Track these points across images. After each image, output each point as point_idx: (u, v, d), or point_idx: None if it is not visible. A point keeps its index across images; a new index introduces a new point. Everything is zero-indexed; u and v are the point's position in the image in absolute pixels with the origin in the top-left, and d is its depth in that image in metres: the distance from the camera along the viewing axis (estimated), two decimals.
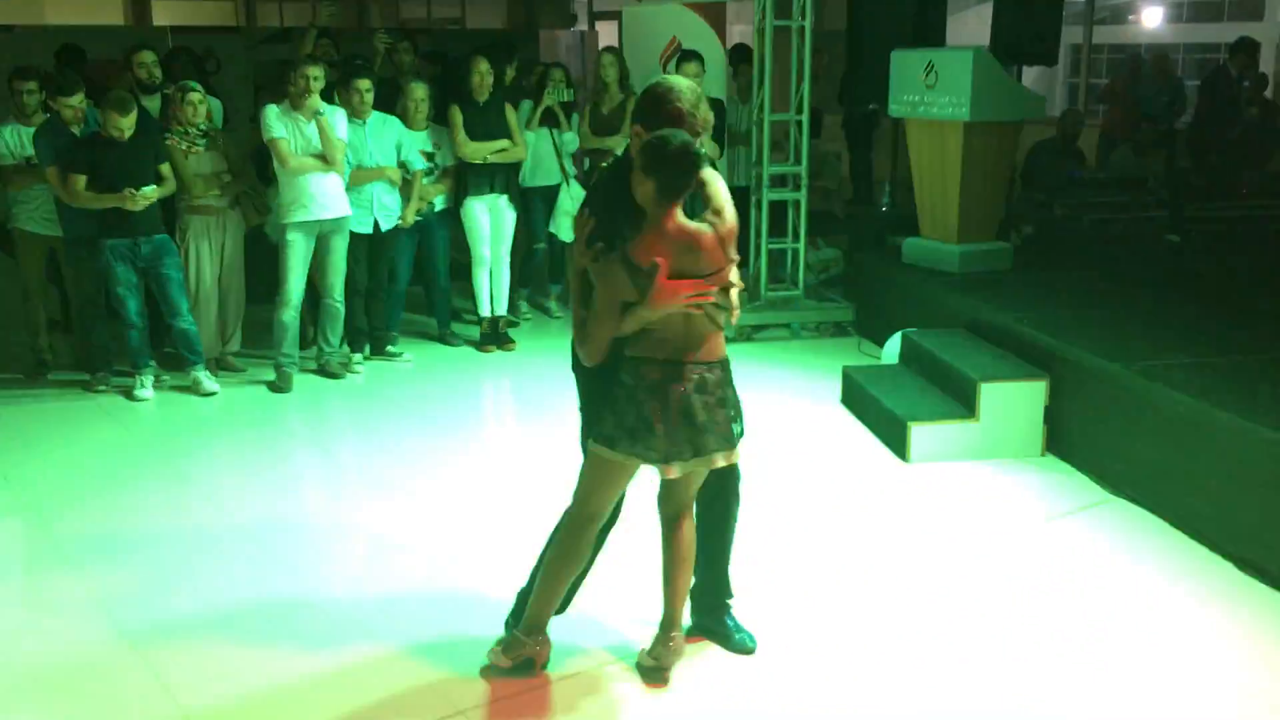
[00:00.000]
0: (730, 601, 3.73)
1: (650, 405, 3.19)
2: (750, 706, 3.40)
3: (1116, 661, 3.63)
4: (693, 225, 3.18)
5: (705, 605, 3.72)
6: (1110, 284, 6.76)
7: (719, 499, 3.60)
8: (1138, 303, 6.28)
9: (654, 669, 3.50)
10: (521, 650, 3.47)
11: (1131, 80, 12.11)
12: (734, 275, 3.28)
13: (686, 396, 3.20)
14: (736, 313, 3.32)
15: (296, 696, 3.45)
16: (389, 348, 7.10)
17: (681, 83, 3.26)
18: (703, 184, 3.26)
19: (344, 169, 6.40)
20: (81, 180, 5.96)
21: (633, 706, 3.40)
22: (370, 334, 7.01)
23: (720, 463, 3.32)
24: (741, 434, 3.39)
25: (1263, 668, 3.61)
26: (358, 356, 6.90)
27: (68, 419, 6.04)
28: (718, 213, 3.25)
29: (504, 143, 7.03)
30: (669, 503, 3.45)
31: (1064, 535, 4.60)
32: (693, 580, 3.61)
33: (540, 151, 7.48)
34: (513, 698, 3.42)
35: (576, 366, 3.40)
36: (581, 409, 3.45)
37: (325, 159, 6.26)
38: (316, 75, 6.21)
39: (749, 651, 3.64)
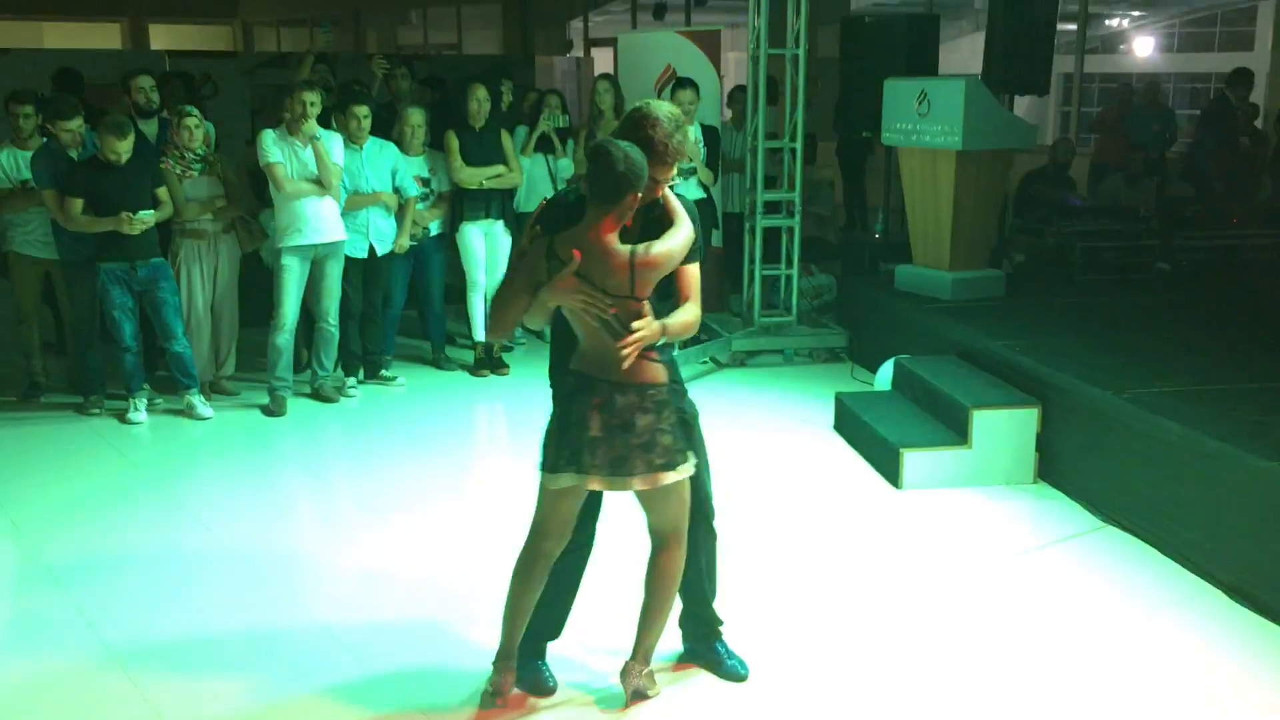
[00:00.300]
0: (720, 628, 3.72)
1: (559, 413, 3.29)
2: None
3: (1107, 689, 3.63)
4: (613, 241, 3.16)
5: (694, 633, 3.71)
6: (1101, 312, 6.80)
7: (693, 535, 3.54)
8: (1129, 331, 6.31)
9: (633, 694, 3.49)
10: (489, 678, 3.47)
11: (1122, 109, 12.21)
12: (644, 320, 3.16)
13: (588, 410, 3.22)
14: (628, 352, 3.14)
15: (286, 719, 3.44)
16: (383, 372, 7.11)
17: (662, 109, 3.25)
18: (663, 213, 3.27)
19: (339, 194, 6.43)
20: (79, 204, 5.98)
21: None
22: (364, 358, 7.02)
23: (636, 485, 3.28)
24: (666, 465, 3.27)
25: (1254, 695, 3.62)
26: (352, 380, 6.91)
27: (61, 442, 6.03)
28: (648, 245, 3.19)
29: (500, 168, 7.07)
30: (649, 530, 3.46)
31: (1055, 562, 4.60)
32: (679, 607, 3.61)
33: (535, 177, 7.52)
34: None
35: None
36: None
37: (321, 183, 6.29)
38: (313, 100, 6.25)
39: (740, 679, 3.63)
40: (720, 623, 3.71)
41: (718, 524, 3.65)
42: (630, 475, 3.24)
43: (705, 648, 3.70)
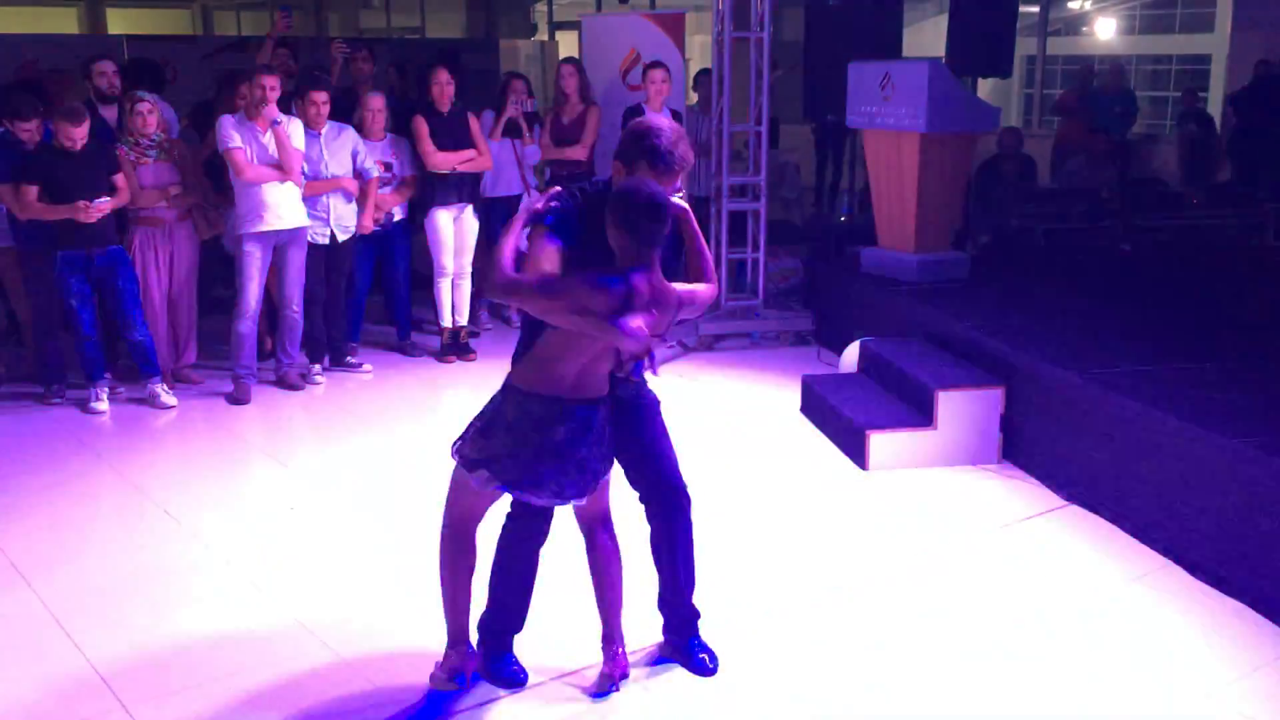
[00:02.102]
0: (698, 621, 3.71)
1: (524, 436, 3.17)
2: (693, 714, 3.42)
3: (1071, 665, 3.68)
4: (663, 281, 3.16)
5: (670, 624, 3.71)
6: (1065, 293, 6.86)
7: (658, 516, 3.57)
8: (1092, 311, 6.37)
9: (602, 679, 3.51)
10: (448, 662, 3.49)
11: (1085, 91, 12.30)
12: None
13: (569, 435, 3.17)
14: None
15: (253, 711, 3.42)
16: (348, 358, 7.07)
17: (662, 121, 3.26)
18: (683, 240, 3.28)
19: (301, 179, 6.36)
20: (33, 191, 5.89)
21: (584, 717, 3.40)
22: (329, 345, 6.97)
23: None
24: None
25: (1216, 672, 3.67)
26: (317, 367, 6.86)
27: (22, 433, 5.95)
28: (691, 287, 3.27)
29: (471, 152, 7.03)
30: (583, 520, 3.47)
31: (1019, 541, 4.65)
32: (656, 593, 3.62)
33: (501, 162, 7.48)
34: (466, 711, 3.41)
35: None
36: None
37: (282, 169, 6.22)
38: (272, 85, 6.18)
39: (706, 674, 3.61)
40: (698, 615, 3.71)
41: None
42: (592, 489, 3.29)
43: (680, 639, 3.69)
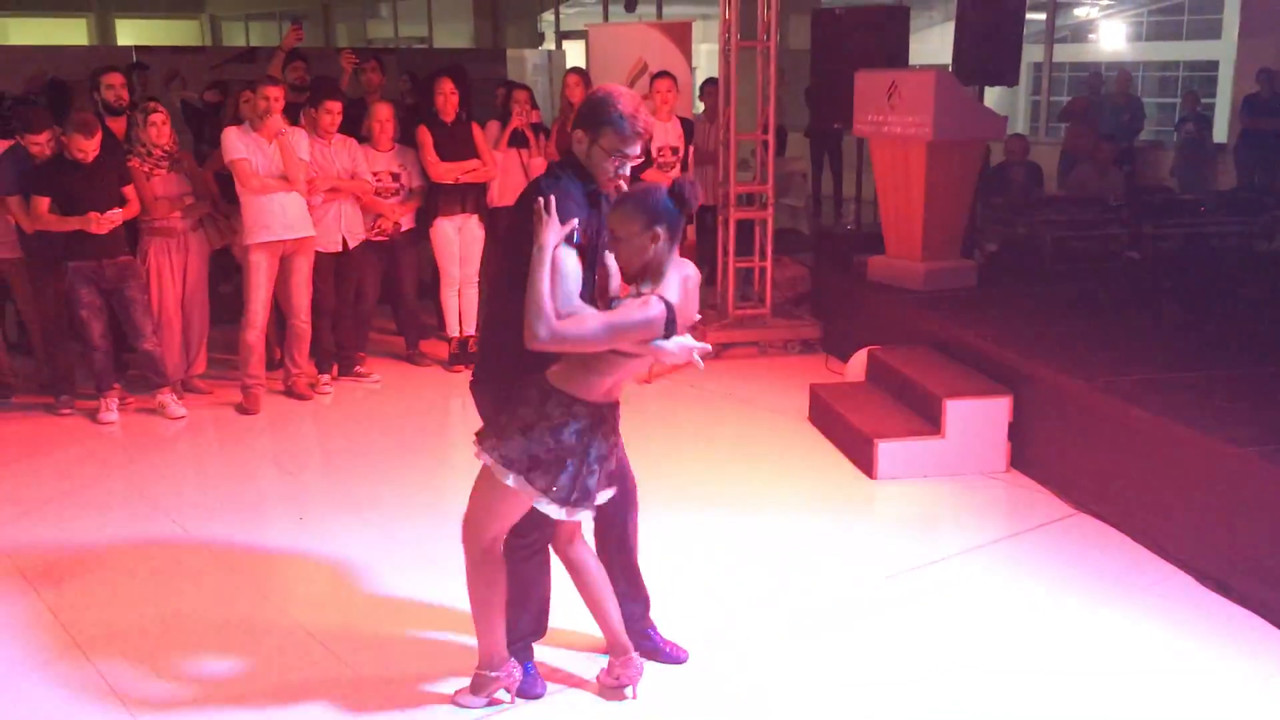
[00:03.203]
0: (649, 609, 3.72)
1: (572, 445, 3.13)
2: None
3: (1080, 674, 3.67)
4: (687, 270, 3.20)
5: (627, 618, 3.60)
6: (1072, 301, 6.85)
7: (618, 511, 3.56)
8: (1100, 319, 6.36)
9: (614, 688, 3.52)
10: (491, 686, 3.44)
11: (1092, 98, 12.29)
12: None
13: (606, 440, 3.20)
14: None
15: (260, 716, 3.43)
16: (357, 368, 7.09)
17: (621, 89, 3.29)
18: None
19: (305, 189, 6.39)
20: (44, 203, 5.92)
21: None
22: (338, 354, 6.99)
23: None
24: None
25: (1226, 681, 3.66)
26: (325, 377, 6.88)
27: (33, 442, 5.98)
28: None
29: (475, 162, 7.05)
30: (557, 539, 3.45)
31: (1028, 550, 4.64)
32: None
33: (508, 171, 7.49)
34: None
35: (476, 386, 3.40)
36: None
37: (287, 179, 6.25)
38: (276, 96, 6.21)
39: (680, 660, 3.67)
40: (648, 599, 3.71)
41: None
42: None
43: (640, 637, 3.67)
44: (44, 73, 8.89)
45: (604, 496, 3.30)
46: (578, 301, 3.06)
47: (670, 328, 3.03)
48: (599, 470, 3.20)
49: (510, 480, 3.14)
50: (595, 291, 3.29)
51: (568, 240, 3.07)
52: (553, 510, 3.16)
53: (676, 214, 3.11)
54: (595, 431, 3.16)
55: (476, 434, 3.28)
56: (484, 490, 3.25)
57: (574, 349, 3.07)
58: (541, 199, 3.09)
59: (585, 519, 3.26)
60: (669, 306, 3.03)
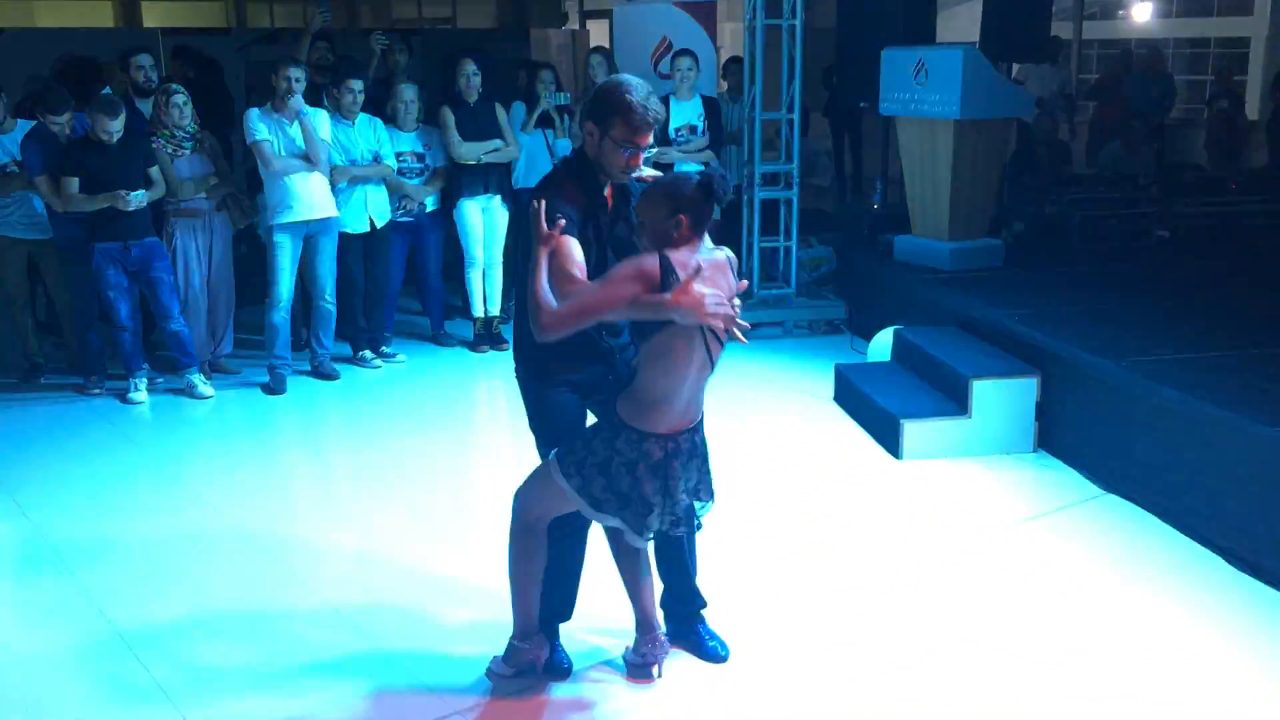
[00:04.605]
0: (703, 611, 3.70)
1: (649, 483, 3.13)
2: (738, 704, 3.42)
3: (1107, 655, 3.65)
4: (715, 254, 3.16)
5: (676, 614, 3.69)
6: (1100, 280, 6.79)
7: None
8: (1128, 298, 6.30)
9: (640, 666, 3.53)
10: (520, 656, 3.47)
11: (1122, 75, 12.15)
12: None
13: (684, 467, 3.18)
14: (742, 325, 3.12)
15: (292, 697, 3.46)
16: (383, 348, 7.11)
17: (632, 79, 3.25)
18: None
19: (327, 169, 6.40)
20: (74, 183, 5.96)
21: (623, 704, 3.42)
22: (367, 334, 7.01)
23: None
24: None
25: (1255, 663, 3.63)
26: (368, 352, 6.92)
27: (62, 423, 6.04)
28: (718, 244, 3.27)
29: (497, 143, 7.04)
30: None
31: (1056, 531, 4.62)
32: (660, 586, 3.62)
33: (533, 152, 7.48)
34: (507, 699, 3.44)
35: (521, 378, 3.41)
36: (532, 425, 3.44)
37: (309, 159, 6.26)
38: (298, 76, 6.22)
39: (721, 660, 3.62)
40: (704, 604, 3.70)
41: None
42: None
43: (687, 629, 3.68)
44: (71, 55, 8.93)
45: (702, 508, 3.30)
46: (580, 277, 3.02)
47: (668, 275, 2.95)
48: (681, 497, 3.20)
49: (610, 523, 3.22)
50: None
51: (565, 232, 3.06)
52: (637, 541, 3.25)
53: (702, 204, 3.06)
54: (671, 462, 3.15)
55: (555, 455, 3.25)
56: (545, 483, 3.28)
57: (583, 321, 3.00)
58: (534, 203, 3.08)
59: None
60: (664, 256, 2.99)
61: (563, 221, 3.07)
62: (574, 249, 3.07)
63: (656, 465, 3.13)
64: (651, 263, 2.97)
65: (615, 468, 3.13)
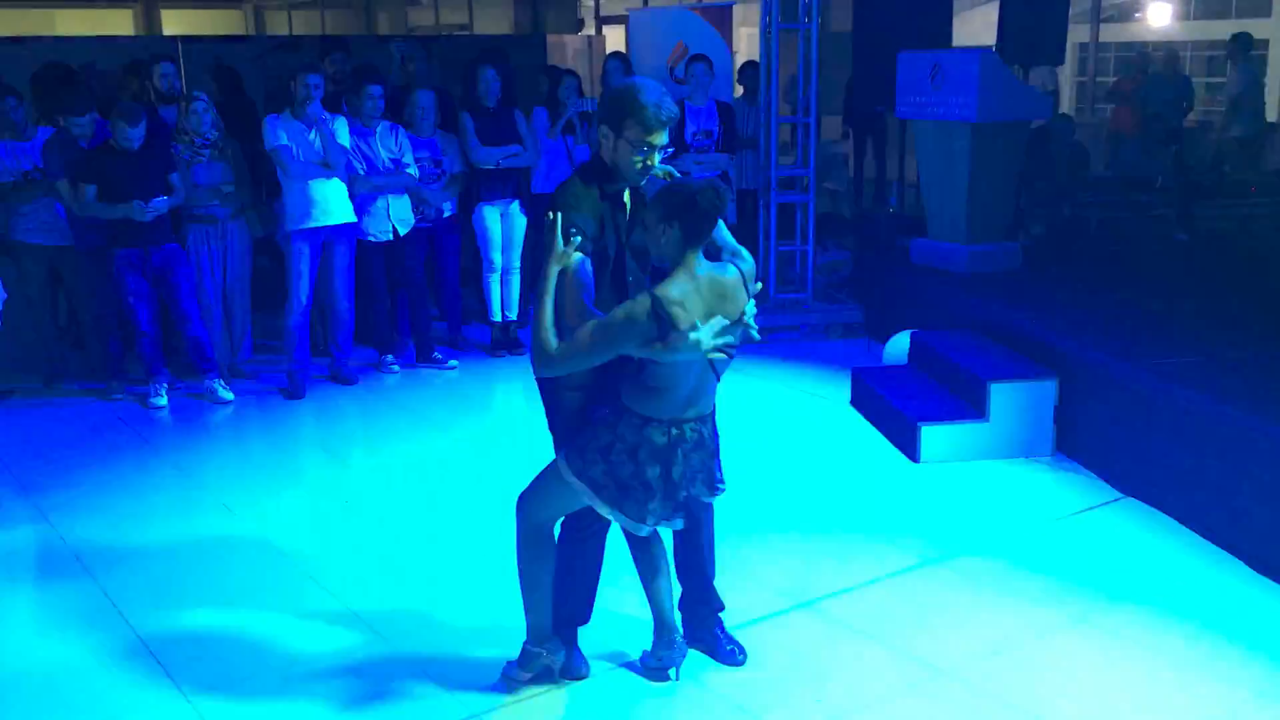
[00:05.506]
0: (720, 613, 3.69)
1: (651, 468, 3.13)
2: (755, 707, 3.42)
3: (1129, 660, 3.63)
4: (720, 272, 3.14)
5: (694, 616, 3.69)
6: (1119, 283, 6.77)
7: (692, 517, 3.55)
8: (1147, 301, 6.28)
9: (657, 669, 3.54)
10: (535, 661, 3.47)
11: (1139, 78, 12.10)
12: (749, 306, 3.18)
13: (686, 457, 3.17)
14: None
15: (312, 699, 3.48)
16: (434, 354, 7.12)
17: (644, 80, 3.25)
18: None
19: (345, 176, 6.43)
20: (91, 190, 6.00)
21: (640, 707, 3.43)
22: (393, 339, 7.04)
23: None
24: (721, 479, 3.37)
25: (1275, 667, 3.61)
26: (390, 357, 6.97)
27: (84, 427, 6.07)
28: (735, 254, 3.26)
29: (515, 148, 7.06)
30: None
31: (1076, 534, 4.60)
32: (679, 589, 3.62)
33: (553, 157, 7.48)
34: (524, 701, 3.45)
35: (541, 383, 3.41)
36: (550, 426, 3.44)
37: (327, 166, 6.29)
38: (316, 83, 6.25)
39: (738, 663, 3.61)
40: (721, 606, 3.70)
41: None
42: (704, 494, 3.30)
43: (704, 631, 3.68)
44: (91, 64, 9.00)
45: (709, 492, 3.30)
46: (589, 311, 3.06)
47: (662, 323, 2.93)
48: (685, 487, 3.19)
49: (605, 511, 3.19)
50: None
51: (581, 249, 3.08)
52: (638, 530, 3.22)
53: (698, 214, 3.02)
54: (674, 450, 3.14)
55: (562, 451, 3.27)
56: (551, 482, 3.28)
57: (580, 365, 3.06)
58: (550, 214, 3.09)
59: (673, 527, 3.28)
60: (655, 299, 2.95)
61: (578, 239, 3.07)
62: (585, 273, 3.07)
63: (658, 450, 3.13)
64: (642, 308, 2.94)
65: (617, 453, 3.13)
